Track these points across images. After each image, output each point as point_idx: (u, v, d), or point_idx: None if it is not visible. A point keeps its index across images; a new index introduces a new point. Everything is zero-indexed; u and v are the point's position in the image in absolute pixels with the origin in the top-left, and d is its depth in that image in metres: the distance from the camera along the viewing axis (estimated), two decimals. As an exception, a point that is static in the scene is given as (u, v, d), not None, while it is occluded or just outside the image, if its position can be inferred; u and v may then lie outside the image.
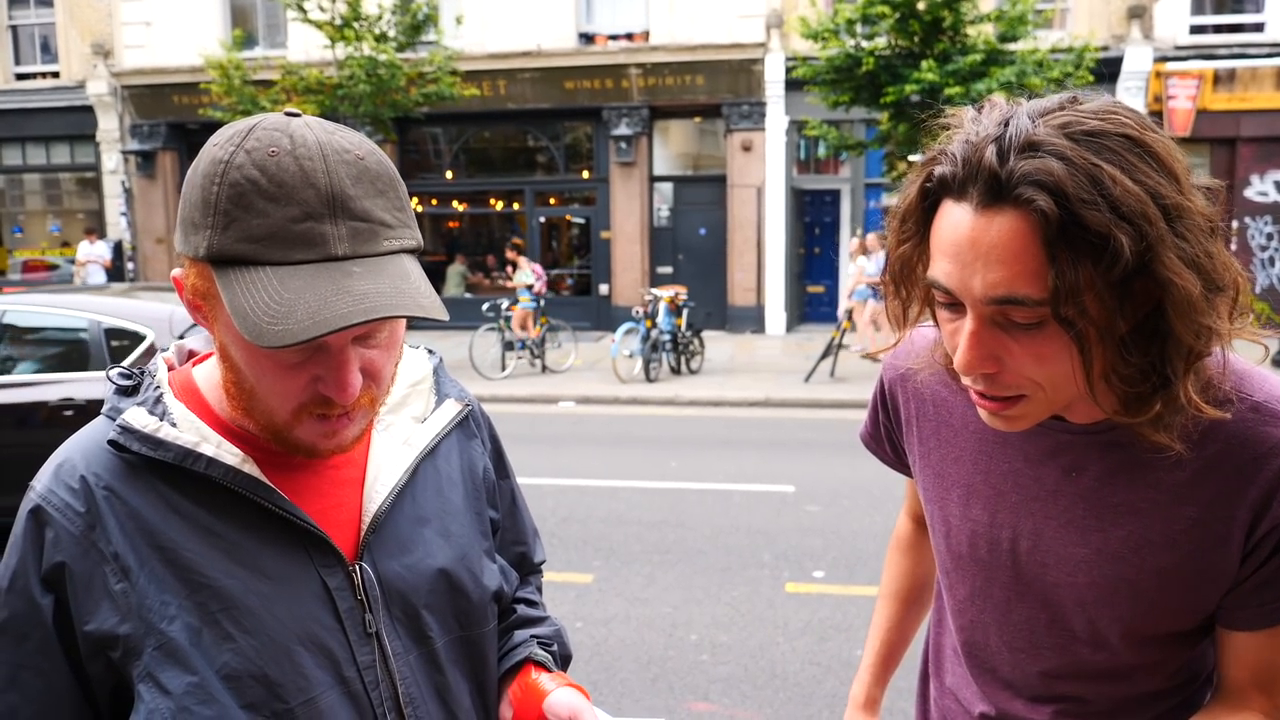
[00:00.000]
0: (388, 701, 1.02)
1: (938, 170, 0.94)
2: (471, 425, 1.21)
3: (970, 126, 0.94)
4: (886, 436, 1.36)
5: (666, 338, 12.13)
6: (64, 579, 0.93)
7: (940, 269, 0.94)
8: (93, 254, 16.57)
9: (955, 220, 0.92)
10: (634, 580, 5.13)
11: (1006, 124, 0.90)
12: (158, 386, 1.02)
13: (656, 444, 8.78)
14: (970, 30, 11.75)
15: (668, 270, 16.43)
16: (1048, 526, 1.10)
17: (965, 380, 1.00)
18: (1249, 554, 1.01)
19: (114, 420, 0.98)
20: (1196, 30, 14.65)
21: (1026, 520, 1.11)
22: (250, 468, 0.97)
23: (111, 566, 0.93)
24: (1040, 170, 0.86)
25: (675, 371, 12.32)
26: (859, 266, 13.27)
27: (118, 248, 17.30)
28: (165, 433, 0.96)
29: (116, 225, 17.53)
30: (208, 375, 1.04)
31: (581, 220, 17.26)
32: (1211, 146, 14.52)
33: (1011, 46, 11.82)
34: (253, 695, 0.93)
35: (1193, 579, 1.04)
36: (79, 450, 0.98)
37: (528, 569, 1.32)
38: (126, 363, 1.08)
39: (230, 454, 0.97)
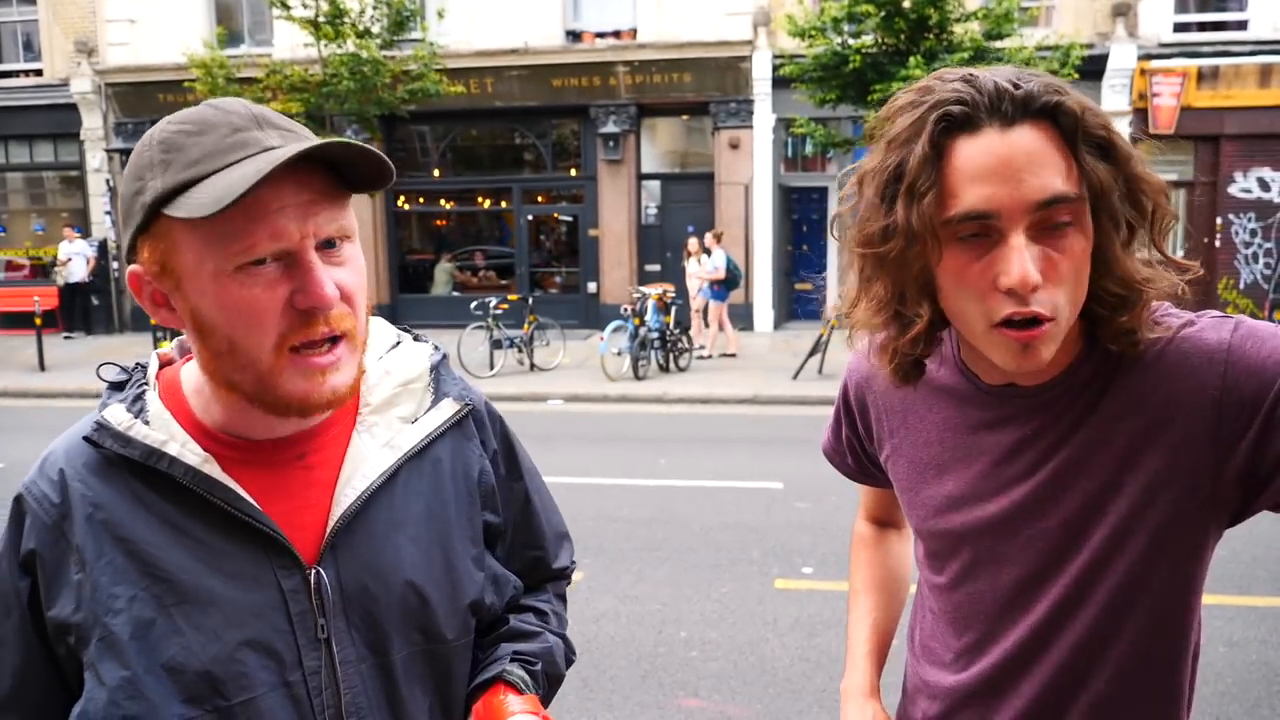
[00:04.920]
0: (329, 709, 1.01)
1: (951, 109, 0.99)
2: (471, 426, 1.16)
3: (945, 84, 1.02)
4: (849, 447, 1.41)
5: (655, 335, 12.14)
6: (35, 565, 0.97)
7: (977, 195, 0.98)
8: (73, 251, 16.48)
9: (981, 148, 0.98)
10: (624, 577, 5.14)
11: (979, 73, 1.02)
12: (142, 384, 1.04)
13: (645, 441, 8.79)
14: (956, 28, 11.79)
15: (656, 268, 16.43)
16: (1014, 484, 1.15)
17: (1003, 310, 1.00)
18: (1257, 440, 1.01)
19: None
20: (1180, 28, 14.73)
21: (995, 483, 1.16)
22: (211, 468, 0.98)
23: (75, 556, 0.96)
24: (1049, 85, 0.99)
25: (664, 369, 12.33)
26: (701, 265, 13.49)
27: (102, 246, 17.19)
28: (136, 430, 0.99)
29: (101, 224, 17.41)
30: (194, 374, 1.04)
31: (569, 218, 17.24)
32: (1195, 144, 14.59)
33: (997, 44, 11.87)
34: (195, 689, 0.95)
35: (1152, 492, 1.07)
36: (64, 444, 1.02)
37: (544, 575, 1.26)
38: None
39: (193, 454, 0.98)
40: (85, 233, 17.19)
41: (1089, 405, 1.10)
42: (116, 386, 1.04)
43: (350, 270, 0.98)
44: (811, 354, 11.66)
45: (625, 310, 12.00)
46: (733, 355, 13.43)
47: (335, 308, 0.95)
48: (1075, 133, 0.98)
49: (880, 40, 11.94)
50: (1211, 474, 1.05)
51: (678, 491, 6.89)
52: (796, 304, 16.82)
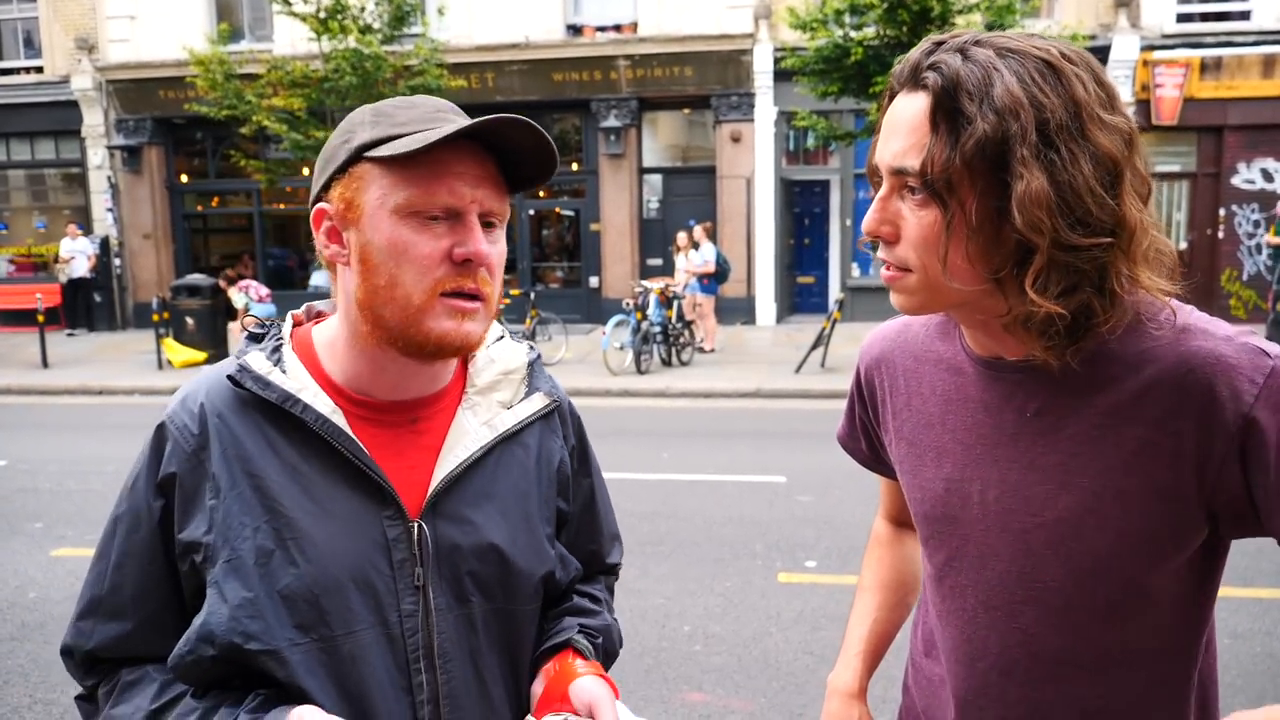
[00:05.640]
0: (422, 649, 1.12)
1: (896, 72, 1.08)
2: (556, 420, 1.29)
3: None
4: (863, 431, 1.40)
5: (657, 330, 12.14)
6: (173, 488, 1.10)
7: (877, 149, 1.08)
8: (74, 249, 16.49)
9: (890, 109, 1.07)
10: (627, 572, 5.13)
11: (952, 37, 1.04)
12: (279, 338, 1.18)
13: (648, 436, 8.80)
14: (959, 19, 11.76)
15: (657, 262, 16.42)
16: (1012, 470, 1.12)
17: (880, 253, 1.11)
18: (1243, 466, 1.01)
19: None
20: (1183, 19, 14.69)
21: (993, 469, 1.13)
22: (339, 419, 1.11)
23: (210, 483, 1.08)
24: (944, 62, 1.00)
25: (666, 363, 12.34)
26: (690, 260, 13.40)
27: (104, 243, 17.19)
28: (275, 376, 1.11)
29: (103, 221, 17.41)
30: (324, 334, 1.18)
31: (571, 213, 17.23)
32: (1199, 135, 14.56)
33: (999, 36, 11.82)
34: (304, 617, 1.06)
35: (1153, 501, 1.05)
36: (205, 383, 1.15)
37: (598, 568, 1.38)
38: None
39: (324, 404, 1.11)
40: (87, 230, 17.19)
41: (1097, 395, 1.06)
42: (254, 339, 1.18)
43: (497, 250, 1.12)
44: (814, 347, 11.66)
45: (627, 304, 11.99)
46: (711, 350, 13.38)
47: (483, 269, 1.09)
48: (935, 110, 0.99)
49: (882, 32, 11.90)
50: (1228, 494, 1.03)
51: (680, 486, 6.89)
52: (799, 297, 16.80)
